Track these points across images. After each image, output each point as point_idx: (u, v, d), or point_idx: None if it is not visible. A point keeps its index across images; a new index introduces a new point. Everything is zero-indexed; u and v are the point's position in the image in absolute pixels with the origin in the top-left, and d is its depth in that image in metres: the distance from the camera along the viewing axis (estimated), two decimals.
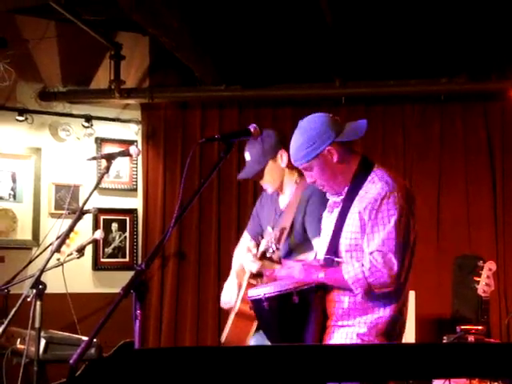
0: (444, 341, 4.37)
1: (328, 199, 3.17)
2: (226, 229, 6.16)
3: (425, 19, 5.34)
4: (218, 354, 1.75)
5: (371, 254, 2.81)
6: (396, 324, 2.90)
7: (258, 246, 3.63)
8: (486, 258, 4.63)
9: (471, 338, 4.23)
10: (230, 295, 3.86)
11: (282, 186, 3.72)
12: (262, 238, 3.65)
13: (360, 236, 2.87)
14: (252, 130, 2.93)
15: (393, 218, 2.80)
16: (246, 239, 3.99)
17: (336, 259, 2.91)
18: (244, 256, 3.67)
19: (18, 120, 5.77)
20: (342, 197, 2.99)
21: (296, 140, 2.99)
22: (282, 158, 3.67)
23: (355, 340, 2.86)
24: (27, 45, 5.77)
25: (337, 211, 2.99)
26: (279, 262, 3.44)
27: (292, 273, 3.02)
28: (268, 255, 3.51)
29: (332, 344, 2.76)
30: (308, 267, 2.99)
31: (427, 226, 5.70)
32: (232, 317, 3.68)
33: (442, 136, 6.03)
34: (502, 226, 5.86)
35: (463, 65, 5.71)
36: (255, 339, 3.69)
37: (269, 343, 3.38)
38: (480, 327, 4.30)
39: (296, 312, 2.98)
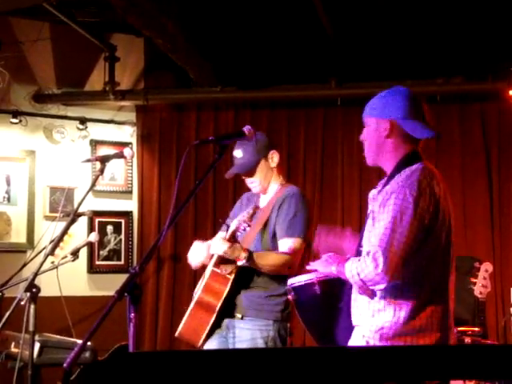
0: None
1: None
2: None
3: (421, 20, 5.34)
4: (213, 358, 1.74)
5: (368, 250, 2.78)
6: (409, 330, 2.77)
7: (227, 230, 3.63)
8: (483, 260, 4.63)
9: (468, 340, 4.23)
10: (198, 251, 3.77)
11: (267, 187, 3.75)
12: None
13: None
14: (246, 131, 2.93)
15: (393, 213, 2.73)
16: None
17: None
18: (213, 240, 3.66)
19: (12, 122, 5.75)
20: (379, 188, 2.94)
21: (378, 94, 2.95)
22: (273, 158, 3.74)
23: (361, 342, 2.83)
24: (21, 47, 5.75)
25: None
26: (246, 250, 3.47)
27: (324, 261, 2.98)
28: (239, 234, 3.50)
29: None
30: (331, 258, 2.95)
31: None
32: (191, 306, 3.62)
33: (438, 137, 6.01)
34: (499, 228, 5.86)
35: (459, 65, 5.71)
36: (215, 342, 3.66)
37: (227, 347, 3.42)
38: (476, 328, 4.30)
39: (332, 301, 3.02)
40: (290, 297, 3.30)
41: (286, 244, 3.56)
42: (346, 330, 2.96)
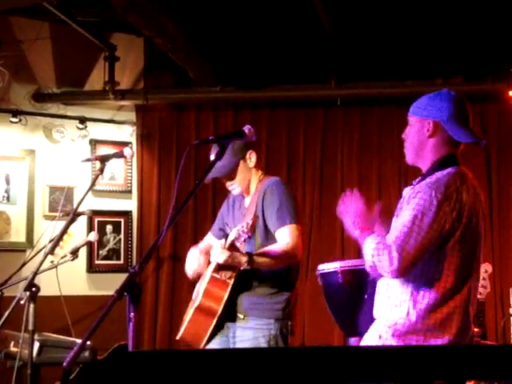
0: None
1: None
2: None
3: (420, 20, 5.34)
4: (214, 357, 1.74)
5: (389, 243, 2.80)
6: (422, 329, 2.78)
7: (226, 238, 3.62)
8: (482, 260, 4.62)
9: None
10: (193, 260, 3.77)
11: (248, 187, 3.72)
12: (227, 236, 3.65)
13: None
14: (246, 131, 2.92)
15: (414, 212, 2.75)
16: (209, 239, 3.96)
17: None
18: (212, 248, 3.65)
19: (11, 122, 5.75)
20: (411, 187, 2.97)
21: (426, 95, 2.98)
22: (251, 158, 3.69)
23: (374, 336, 2.86)
24: (21, 46, 5.75)
25: None
26: (245, 254, 3.45)
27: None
28: (238, 244, 3.49)
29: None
30: (359, 221, 2.94)
31: None
32: (191, 311, 3.62)
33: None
34: (498, 228, 5.86)
35: (459, 66, 5.71)
36: (216, 343, 3.66)
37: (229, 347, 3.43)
38: (476, 329, 4.28)
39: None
40: (319, 281, 3.32)
41: (282, 234, 3.54)
42: (369, 322, 2.99)
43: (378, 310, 2.93)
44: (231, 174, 3.68)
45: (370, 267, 2.84)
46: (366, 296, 3.04)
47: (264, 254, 3.53)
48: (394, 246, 2.73)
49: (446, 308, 2.79)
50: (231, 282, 3.54)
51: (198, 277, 3.81)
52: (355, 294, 3.16)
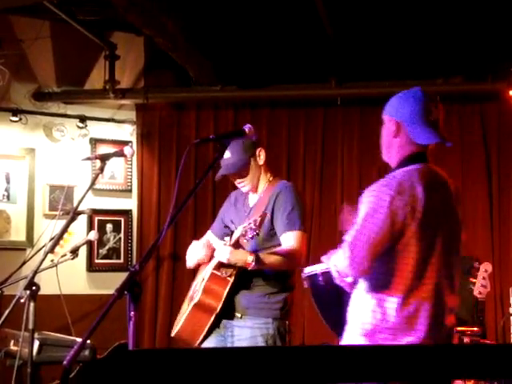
0: None
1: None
2: None
3: (421, 20, 5.34)
4: (214, 356, 1.74)
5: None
6: (388, 328, 2.76)
7: (230, 235, 3.62)
8: (482, 260, 4.63)
9: (467, 340, 4.23)
10: (195, 252, 3.79)
11: (257, 185, 3.72)
12: (229, 235, 3.65)
13: None
14: (247, 130, 2.92)
15: (366, 209, 2.78)
16: (209, 237, 3.96)
17: None
18: (216, 244, 3.65)
19: (12, 120, 5.75)
20: None
21: (397, 94, 3.00)
22: (261, 155, 3.70)
23: (346, 337, 2.88)
24: (21, 45, 5.75)
25: None
26: (251, 253, 3.46)
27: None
28: (245, 241, 3.49)
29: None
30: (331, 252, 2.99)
31: None
32: (189, 308, 3.62)
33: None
34: (498, 228, 5.86)
35: (459, 66, 5.71)
36: (213, 341, 3.66)
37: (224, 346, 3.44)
38: (476, 328, 4.30)
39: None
40: (305, 284, 3.33)
41: (289, 238, 3.55)
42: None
43: (349, 311, 2.93)
44: (242, 172, 3.68)
45: (337, 278, 2.86)
46: (346, 298, 3.06)
47: (270, 255, 3.53)
48: (347, 246, 2.76)
49: (410, 306, 2.75)
50: (231, 279, 3.54)
51: (197, 266, 3.82)
52: (336, 295, 3.17)
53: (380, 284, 2.79)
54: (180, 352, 1.76)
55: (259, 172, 3.71)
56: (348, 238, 2.77)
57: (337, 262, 2.80)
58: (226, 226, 3.81)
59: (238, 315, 3.61)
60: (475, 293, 4.38)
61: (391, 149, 2.96)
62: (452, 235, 2.94)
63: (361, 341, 2.78)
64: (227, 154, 3.66)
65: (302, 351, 1.80)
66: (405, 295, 2.76)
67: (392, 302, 2.77)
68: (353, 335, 2.83)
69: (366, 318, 2.79)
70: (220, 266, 3.55)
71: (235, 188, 3.93)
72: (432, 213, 2.80)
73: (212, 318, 3.57)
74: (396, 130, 2.91)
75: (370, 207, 2.77)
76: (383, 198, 2.76)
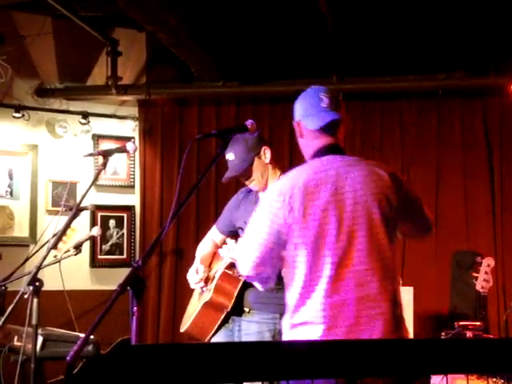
0: (442, 337, 4.37)
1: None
2: None
3: (423, 15, 5.33)
4: (218, 351, 1.75)
5: None
6: (295, 323, 2.74)
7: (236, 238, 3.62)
8: (484, 254, 4.63)
9: (469, 334, 4.23)
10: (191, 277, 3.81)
11: (266, 183, 3.67)
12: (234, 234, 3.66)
13: None
14: (249, 125, 2.93)
15: (256, 213, 2.83)
16: (213, 233, 3.96)
17: None
18: (226, 245, 3.66)
19: (14, 117, 5.76)
20: None
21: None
22: (266, 154, 3.68)
23: None
24: (24, 41, 5.75)
25: None
26: None
27: None
28: None
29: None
30: None
31: None
32: (200, 305, 3.64)
33: (440, 132, 6.02)
34: (500, 222, 5.86)
35: (461, 60, 5.71)
36: (221, 336, 3.67)
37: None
38: (478, 323, 4.30)
39: None
40: None
41: None
42: None
43: None
44: (247, 172, 3.65)
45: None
46: None
47: None
48: (240, 252, 2.86)
49: (310, 300, 2.70)
50: (243, 278, 3.55)
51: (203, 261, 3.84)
52: None
53: (287, 287, 2.81)
54: (183, 347, 1.76)
55: (266, 170, 3.67)
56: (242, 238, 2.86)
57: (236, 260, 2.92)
58: (240, 228, 3.73)
59: (246, 310, 3.63)
60: (477, 287, 4.38)
61: (304, 150, 2.98)
62: (368, 225, 2.74)
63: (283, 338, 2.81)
64: (231, 156, 3.65)
65: (304, 345, 1.80)
66: (300, 297, 2.72)
67: (292, 305, 2.77)
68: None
69: (282, 317, 2.88)
70: (232, 265, 3.57)
71: (239, 184, 3.92)
72: (329, 209, 2.71)
73: (222, 316, 3.60)
74: (299, 130, 2.96)
75: (258, 211, 2.83)
76: (266, 202, 2.81)
